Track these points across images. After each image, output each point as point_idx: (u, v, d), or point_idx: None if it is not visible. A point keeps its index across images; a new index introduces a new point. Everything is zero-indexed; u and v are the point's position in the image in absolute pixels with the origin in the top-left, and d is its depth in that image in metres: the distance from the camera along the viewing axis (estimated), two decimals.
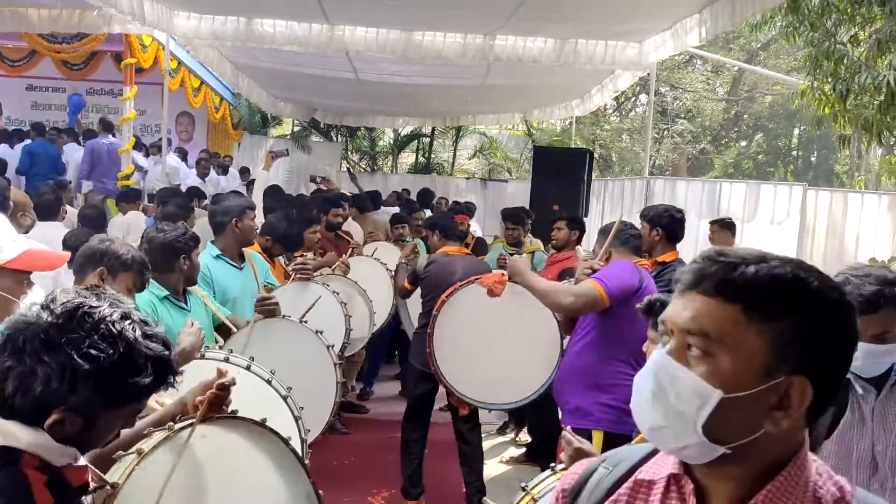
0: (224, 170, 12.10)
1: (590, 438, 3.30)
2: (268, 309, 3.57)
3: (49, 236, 4.67)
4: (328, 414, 3.52)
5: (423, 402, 4.91)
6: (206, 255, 4.03)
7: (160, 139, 10.89)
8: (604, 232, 3.91)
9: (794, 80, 12.02)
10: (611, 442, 3.25)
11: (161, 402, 2.14)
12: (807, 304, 1.06)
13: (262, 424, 2.02)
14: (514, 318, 4.14)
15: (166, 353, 1.42)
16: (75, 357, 1.33)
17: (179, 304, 3.32)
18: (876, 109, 6.34)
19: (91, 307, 1.38)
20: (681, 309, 1.11)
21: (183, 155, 12.45)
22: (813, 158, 26.42)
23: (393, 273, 5.91)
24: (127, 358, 1.36)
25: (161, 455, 1.83)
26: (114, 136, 10.09)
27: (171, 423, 1.89)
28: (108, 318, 1.37)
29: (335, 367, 3.60)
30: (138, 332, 1.39)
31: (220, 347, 3.38)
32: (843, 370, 1.10)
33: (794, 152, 26.45)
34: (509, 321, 4.16)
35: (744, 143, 25.88)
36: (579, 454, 2.18)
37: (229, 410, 1.99)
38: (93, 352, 1.34)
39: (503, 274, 3.95)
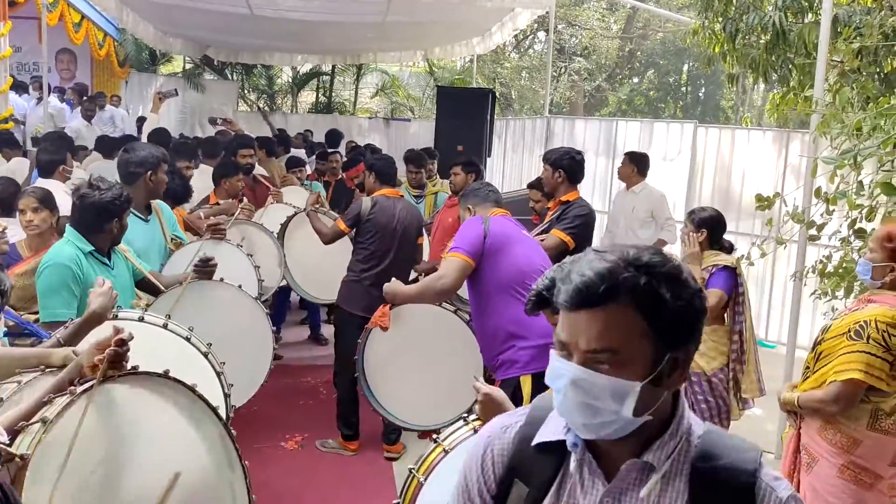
0: (88, 98, 11.24)
1: (519, 385, 3.41)
2: (207, 272, 3.62)
3: None
4: (268, 362, 3.78)
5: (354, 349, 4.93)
6: None
7: (40, 77, 10.21)
8: (465, 195, 4.13)
9: (686, 19, 12.34)
10: (539, 381, 3.37)
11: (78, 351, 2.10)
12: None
13: (164, 376, 2.01)
14: (426, 335, 4.02)
15: None
16: None
17: (103, 260, 3.23)
18: (762, 49, 6.61)
19: None
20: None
21: (62, 94, 11.71)
22: (701, 94, 27.38)
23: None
24: None
25: (66, 421, 1.80)
26: None
27: (73, 388, 1.86)
28: None
29: (267, 317, 3.78)
30: None
31: (148, 305, 3.33)
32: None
33: (683, 88, 27.31)
34: (424, 341, 4.02)
35: (636, 80, 26.52)
36: (489, 400, 2.23)
37: (130, 366, 1.95)
38: None
39: (383, 306, 3.87)
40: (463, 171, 6.00)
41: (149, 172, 3.90)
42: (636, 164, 6.89)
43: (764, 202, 4.21)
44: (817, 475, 2.98)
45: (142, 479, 1.91)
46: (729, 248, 4.34)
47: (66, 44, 12.30)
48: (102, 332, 1.99)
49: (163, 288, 3.45)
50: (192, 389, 2.05)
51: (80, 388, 1.85)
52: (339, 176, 7.77)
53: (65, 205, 4.78)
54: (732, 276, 4.15)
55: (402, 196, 5.19)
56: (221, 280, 3.67)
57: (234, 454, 2.14)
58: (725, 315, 4.22)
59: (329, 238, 5.11)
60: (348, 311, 4.93)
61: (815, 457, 3.00)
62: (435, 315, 3.96)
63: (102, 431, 1.87)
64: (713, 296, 4.14)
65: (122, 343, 1.90)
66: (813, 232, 4.09)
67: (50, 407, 1.83)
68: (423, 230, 5.34)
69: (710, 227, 4.28)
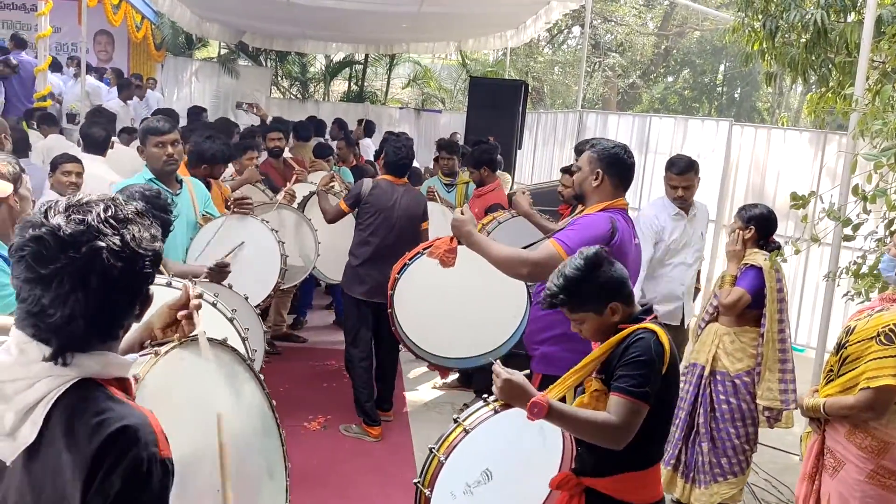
0: (125, 80, 11.36)
1: None
2: (244, 208, 4.16)
3: None
4: (276, 276, 4.27)
5: (362, 326, 5.01)
6: (140, 179, 3.89)
7: (76, 56, 10.37)
8: (604, 156, 3.25)
9: (725, 16, 12.18)
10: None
11: None
12: None
13: (223, 343, 2.04)
14: (474, 274, 3.80)
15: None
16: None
17: None
18: (802, 48, 6.50)
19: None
20: None
21: (99, 75, 11.86)
22: (736, 95, 27.02)
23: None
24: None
25: (151, 379, 1.80)
26: (27, 53, 9.52)
27: (157, 349, 1.85)
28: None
29: (279, 245, 4.31)
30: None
31: None
32: None
33: (719, 89, 26.97)
34: (469, 279, 3.90)
35: (671, 79, 26.24)
36: (508, 385, 2.22)
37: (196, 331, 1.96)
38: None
39: (452, 239, 3.56)
40: (475, 169, 6.01)
41: (138, 147, 3.90)
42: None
43: (799, 201, 4.13)
44: (843, 480, 2.92)
45: (194, 440, 1.93)
46: (773, 249, 4.20)
47: (104, 25, 12.44)
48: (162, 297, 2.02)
49: (165, 273, 3.23)
50: (244, 357, 2.10)
51: (163, 349, 1.85)
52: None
53: (116, 181, 4.85)
54: (759, 276, 4.04)
55: (405, 183, 5.15)
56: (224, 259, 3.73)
57: (274, 423, 2.18)
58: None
59: (331, 217, 5.15)
60: (349, 294, 5.01)
61: (841, 461, 2.93)
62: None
63: (173, 393, 1.89)
64: (734, 294, 4.06)
65: (199, 295, 1.92)
66: (848, 232, 4.01)
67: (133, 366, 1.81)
68: (427, 215, 5.27)
69: (758, 225, 4.20)
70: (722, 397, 4.08)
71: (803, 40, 6.48)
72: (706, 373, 4.14)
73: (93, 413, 1.30)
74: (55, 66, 10.20)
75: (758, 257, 4.09)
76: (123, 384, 1.41)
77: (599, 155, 3.22)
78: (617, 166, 3.21)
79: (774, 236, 4.33)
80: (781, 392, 4.00)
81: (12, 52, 9.46)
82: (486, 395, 2.38)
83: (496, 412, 2.29)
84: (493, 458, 2.36)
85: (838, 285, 4.68)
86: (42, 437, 1.30)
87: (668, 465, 4.21)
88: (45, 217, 1.31)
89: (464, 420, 2.34)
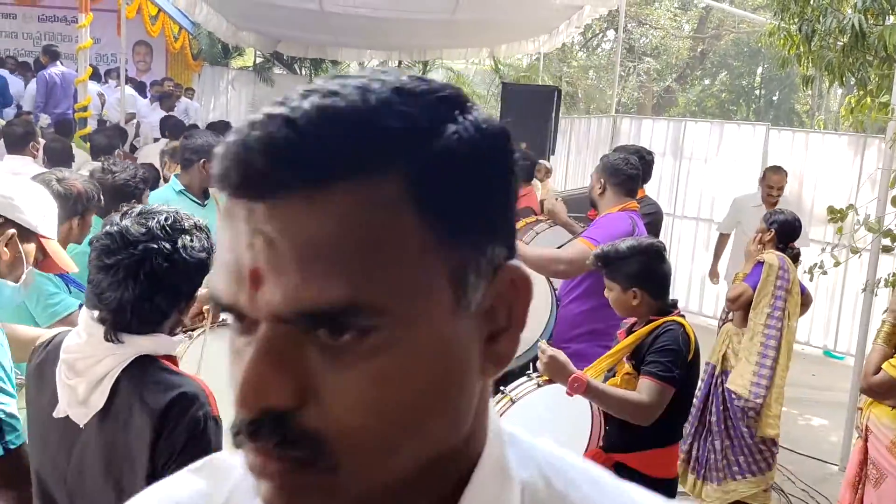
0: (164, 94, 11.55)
1: None
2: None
3: (16, 169, 4.56)
4: None
5: None
6: (169, 190, 3.87)
7: (117, 67, 10.59)
8: (609, 167, 3.66)
9: (761, 19, 12.02)
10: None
11: None
12: None
13: None
14: None
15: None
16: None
17: None
18: (839, 52, 6.39)
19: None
20: None
21: (140, 87, 12.09)
22: (775, 98, 26.62)
23: None
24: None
25: (189, 356, 2.06)
26: (62, 64, 9.72)
27: (190, 333, 2.13)
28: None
29: None
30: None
31: None
32: None
33: (757, 91, 26.60)
34: None
35: (707, 82, 25.95)
36: (553, 362, 2.41)
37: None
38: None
39: None
40: None
41: (202, 160, 3.82)
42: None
43: (836, 215, 4.05)
44: (885, 493, 2.90)
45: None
46: (792, 255, 4.14)
47: (142, 36, 12.70)
48: None
49: None
50: None
51: (195, 333, 2.10)
52: None
53: None
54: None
55: None
56: None
57: None
58: None
59: None
60: None
61: (883, 474, 2.90)
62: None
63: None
64: (736, 288, 4.04)
65: None
66: (887, 242, 3.94)
67: None
68: None
69: (779, 229, 4.14)
70: (734, 396, 4.03)
71: (840, 44, 6.37)
72: (717, 372, 4.11)
73: (154, 382, 1.55)
74: (94, 76, 10.42)
75: (770, 255, 4.02)
76: (173, 360, 1.65)
77: (603, 166, 3.65)
78: (616, 175, 3.58)
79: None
80: (753, 384, 3.87)
81: (47, 66, 9.66)
82: (529, 371, 2.61)
83: (539, 386, 2.53)
84: (530, 431, 2.46)
85: (876, 295, 4.59)
86: (112, 403, 1.54)
87: (679, 458, 4.17)
88: (121, 218, 1.57)
89: (510, 391, 2.57)
